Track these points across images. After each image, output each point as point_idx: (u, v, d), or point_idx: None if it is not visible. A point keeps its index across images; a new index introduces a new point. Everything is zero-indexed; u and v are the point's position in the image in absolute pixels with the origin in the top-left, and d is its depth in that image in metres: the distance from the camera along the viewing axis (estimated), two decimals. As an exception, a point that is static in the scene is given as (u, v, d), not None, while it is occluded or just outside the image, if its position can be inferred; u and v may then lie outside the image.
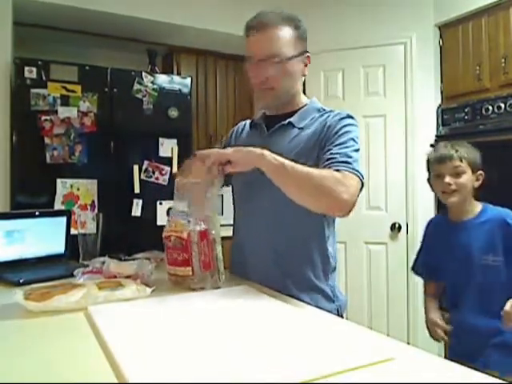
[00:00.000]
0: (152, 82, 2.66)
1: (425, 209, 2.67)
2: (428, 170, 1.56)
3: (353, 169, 1.06)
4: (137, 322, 0.82)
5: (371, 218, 2.79)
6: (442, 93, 2.81)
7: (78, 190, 2.44)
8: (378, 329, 2.64)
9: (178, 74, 3.17)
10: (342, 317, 1.21)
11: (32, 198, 2.34)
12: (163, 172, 2.65)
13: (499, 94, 2.44)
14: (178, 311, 0.90)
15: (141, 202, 2.60)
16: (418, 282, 2.09)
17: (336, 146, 1.11)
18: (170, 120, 2.71)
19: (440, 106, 2.79)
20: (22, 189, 2.35)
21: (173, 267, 1.13)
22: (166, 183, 2.64)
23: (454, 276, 1.50)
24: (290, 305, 0.95)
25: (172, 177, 2.66)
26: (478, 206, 1.49)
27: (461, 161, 1.43)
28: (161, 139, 2.68)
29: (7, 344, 0.75)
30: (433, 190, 1.56)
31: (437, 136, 2.72)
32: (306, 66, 1.24)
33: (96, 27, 2.89)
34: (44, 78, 2.38)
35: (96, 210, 2.47)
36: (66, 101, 2.42)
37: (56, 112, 2.40)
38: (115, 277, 1.11)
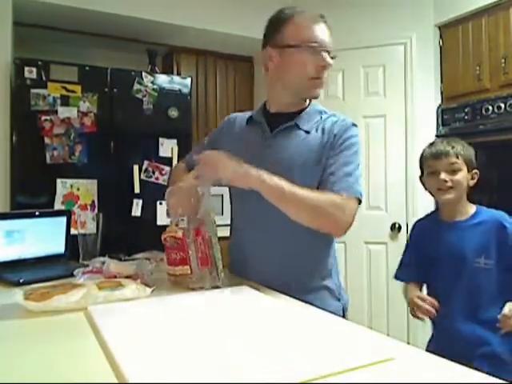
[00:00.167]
0: (152, 82, 2.66)
1: (425, 209, 2.66)
2: (421, 167, 1.51)
3: (353, 190, 1.12)
4: (137, 322, 0.82)
5: (371, 217, 2.79)
6: (441, 93, 2.81)
7: (78, 189, 2.45)
8: (378, 329, 2.64)
9: (178, 74, 3.17)
10: (345, 315, 1.23)
11: (32, 197, 2.34)
12: (163, 172, 2.65)
13: (499, 94, 2.44)
14: (178, 311, 0.90)
15: (141, 201, 2.60)
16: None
17: (340, 161, 1.14)
18: (169, 120, 2.71)
19: (440, 105, 2.79)
20: (22, 189, 2.35)
21: (172, 267, 1.13)
22: (166, 183, 2.64)
23: (443, 278, 1.43)
24: (290, 304, 0.95)
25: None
26: (472, 207, 1.45)
27: (457, 157, 1.40)
28: (161, 139, 2.68)
29: (7, 344, 0.75)
30: (426, 189, 1.50)
31: (437, 136, 2.72)
32: None
33: (96, 27, 2.89)
34: (44, 78, 2.38)
35: (96, 210, 2.47)
36: (66, 101, 2.42)
37: (56, 112, 2.40)
38: (115, 277, 1.11)
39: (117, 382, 0.58)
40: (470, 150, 1.44)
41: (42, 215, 1.44)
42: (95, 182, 2.49)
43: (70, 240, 1.48)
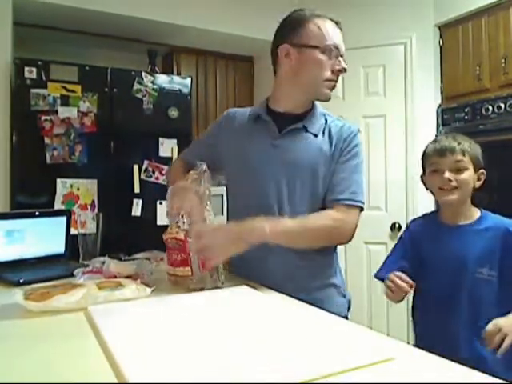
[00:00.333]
0: (152, 82, 2.66)
1: (425, 209, 2.64)
2: (423, 165, 1.38)
3: (356, 201, 1.18)
4: (137, 322, 0.82)
5: (371, 218, 2.79)
6: (441, 93, 2.81)
7: (78, 189, 2.44)
8: (378, 329, 2.64)
9: (178, 74, 3.17)
10: (349, 311, 1.28)
11: (32, 198, 2.34)
12: (163, 172, 2.65)
13: (499, 94, 2.44)
14: (178, 311, 0.90)
15: (141, 201, 2.60)
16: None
17: (347, 170, 1.20)
18: (170, 120, 2.71)
19: (440, 105, 2.79)
20: (22, 189, 2.35)
21: (172, 267, 1.13)
22: (166, 183, 2.64)
23: (439, 288, 1.29)
24: (290, 304, 0.95)
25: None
26: (477, 211, 1.32)
27: (463, 155, 1.27)
28: (161, 139, 2.68)
29: (7, 344, 0.75)
30: (427, 188, 1.38)
31: (437, 136, 2.73)
32: None
33: (96, 27, 2.89)
34: (44, 78, 2.38)
35: (96, 210, 2.47)
36: (66, 101, 2.42)
37: (56, 112, 2.40)
38: (115, 277, 1.11)
39: (117, 382, 0.58)
40: (477, 148, 1.33)
41: (41, 215, 1.44)
42: (95, 181, 2.49)
43: (70, 240, 1.48)
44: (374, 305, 2.81)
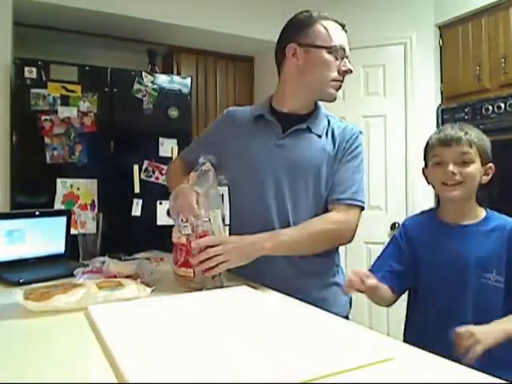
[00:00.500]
0: (152, 82, 2.66)
1: (425, 208, 2.67)
2: (425, 157, 1.25)
3: (357, 200, 1.20)
4: (137, 321, 0.82)
5: (371, 217, 2.78)
6: (441, 93, 2.81)
7: (78, 189, 2.44)
8: (378, 329, 2.64)
9: (178, 74, 3.17)
10: (351, 308, 1.30)
11: (32, 197, 2.34)
12: (163, 172, 2.65)
13: (499, 94, 2.44)
14: (178, 311, 0.90)
15: (141, 201, 2.60)
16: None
17: (348, 170, 1.22)
18: (169, 120, 2.71)
19: (440, 105, 2.79)
20: (22, 189, 2.35)
21: (176, 266, 1.13)
22: (166, 183, 2.64)
23: (439, 293, 1.16)
24: (290, 304, 0.95)
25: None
26: (482, 211, 1.20)
27: (470, 146, 1.14)
28: (161, 139, 2.68)
29: (7, 344, 0.75)
30: (428, 183, 1.25)
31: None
32: None
33: (96, 27, 2.89)
34: (44, 78, 2.38)
35: (96, 210, 2.47)
36: (66, 101, 2.42)
37: (56, 112, 2.40)
38: (115, 276, 1.11)
39: (117, 382, 0.58)
40: (486, 139, 1.20)
41: (42, 215, 1.44)
42: (95, 181, 2.49)
43: (70, 240, 1.48)
44: (374, 305, 2.79)
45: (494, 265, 1.11)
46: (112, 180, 2.54)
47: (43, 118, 2.36)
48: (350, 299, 1.30)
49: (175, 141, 2.71)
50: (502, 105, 2.40)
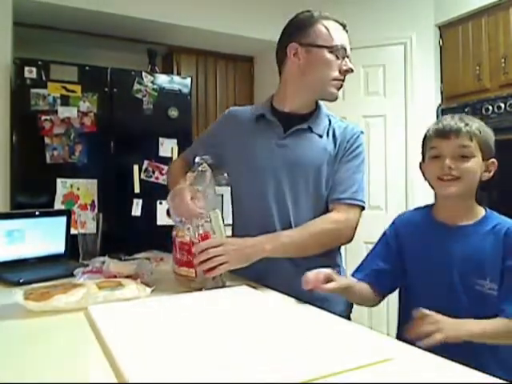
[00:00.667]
0: (152, 82, 2.66)
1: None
2: (423, 150, 1.15)
3: (357, 200, 1.20)
4: (137, 322, 0.82)
5: (371, 217, 2.78)
6: (441, 93, 2.81)
7: (78, 189, 2.44)
8: (378, 329, 2.64)
9: (178, 74, 3.17)
10: (352, 306, 1.29)
11: (32, 197, 2.34)
12: (163, 172, 2.65)
13: (499, 94, 2.44)
14: (178, 311, 0.90)
15: (141, 201, 2.60)
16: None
17: (348, 170, 1.22)
18: (169, 120, 2.71)
19: (440, 105, 2.79)
20: (22, 189, 2.35)
21: (177, 266, 1.13)
22: (166, 183, 2.63)
23: (430, 298, 1.05)
24: (290, 304, 0.95)
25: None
26: (481, 210, 1.09)
27: (470, 139, 1.04)
28: (161, 139, 2.68)
29: (7, 344, 0.75)
30: (425, 178, 1.14)
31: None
32: None
33: (96, 27, 2.89)
34: (44, 78, 2.38)
35: (96, 210, 2.46)
36: (66, 101, 2.42)
37: (56, 112, 2.40)
38: (115, 276, 1.11)
39: (117, 382, 0.58)
40: (489, 132, 1.10)
41: (42, 215, 1.44)
42: (95, 181, 2.49)
43: (70, 240, 1.48)
44: (374, 305, 2.81)
45: (488, 271, 1.00)
46: (112, 180, 2.54)
47: (43, 118, 2.36)
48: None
49: (175, 141, 2.71)
50: (502, 105, 2.40)
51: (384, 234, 1.21)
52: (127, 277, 1.10)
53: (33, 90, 2.35)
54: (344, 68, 1.22)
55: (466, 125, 1.05)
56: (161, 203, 2.62)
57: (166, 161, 2.67)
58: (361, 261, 1.23)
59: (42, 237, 1.41)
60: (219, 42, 3.17)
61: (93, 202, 2.48)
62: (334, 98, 1.24)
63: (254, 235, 1.16)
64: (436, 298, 1.03)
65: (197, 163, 1.17)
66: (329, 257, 1.24)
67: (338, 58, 1.21)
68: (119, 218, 2.51)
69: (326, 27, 1.20)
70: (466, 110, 2.58)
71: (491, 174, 1.09)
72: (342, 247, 1.30)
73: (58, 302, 0.89)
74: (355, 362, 0.62)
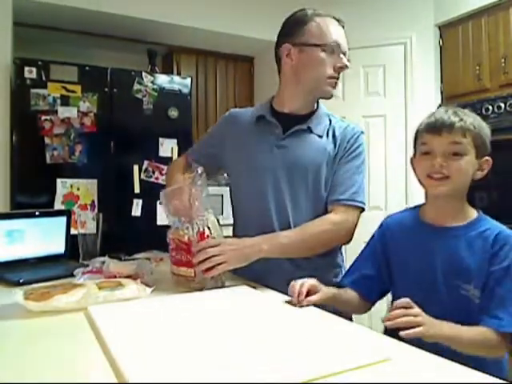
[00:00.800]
0: (152, 82, 2.66)
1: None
2: (414, 144, 1.10)
3: (356, 201, 1.19)
4: (137, 321, 0.82)
5: (371, 217, 2.78)
6: (441, 93, 2.81)
7: (78, 189, 2.44)
8: (378, 329, 2.64)
9: (178, 73, 3.17)
10: None
11: (32, 197, 2.34)
12: (163, 172, 2.65)
13: (499, 94, 2.44)
14: (178, 311, 0.90)
15: (141, 201, 2.60)
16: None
17: (348, 170, 1.21)
18: (169, 120, 2.71)
19: (440, 105, 2.79)
20: (22, 189, 2.35)
21: (176, 267, 1.13)
22: (165, 182, 2.64)
23: (415, 298, 0.92)
24: (290, 304, 0.95)
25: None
26: (473, 212, 1.02)
27: (464, 135, 0.97)
28: (161, 139, 2.68)
29: (7, 344, 0.75)
30: (416, 175, 1.08)
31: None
32: None
33: (96, 27, 2.89)
34: (44, 78, 2.38)
35: (96, 210, 2.46)
36: (66, 101, 2.42)
37: (56, 112, 2.39)
38: (115, 277, 1.11)
39: (117, 382, 0.58)
40: (484, 128, 1.02)
41: (41, 215, 1.44)
42: (95, 181, 2.49)
43: (70, 240, 1.48)
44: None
45: (473, 276, 0.94)
46: (112, 180, 2.54)
47: (43, 118, 2.36)
48: None
49: (175, 141, 2.71)
50: (502, 105, 2.40)
51: (372, 236, 1.17)
52: (127, 277, 1.10)
53: (33, 90, 2.35)
54: (338, 65, 1.20)
55: (461, 119, 0.98)
56: (161, 203, 2.61)
57: (166, 161, 2.67)
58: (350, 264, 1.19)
59: (42, 237, 1.41)
60: (219, 42, 3.17)
61: (93, 202, 2.48)
62: (329, 96, 1.24)
63: (253, 235, 1.16)
64: (420, 300, 0.93)
65: (193, 166, 1.19)
66: (329, 257, 1.24)
67: (331, 55, 1.19)
68: (119, 218, 2.51)
69: (319, 25, 1.19)
70: (466, 109, 2.58)
71: (485, 172, 1.02)
72: (343, 247, 1.30)
73: (58, 302, 0.89)
74: (355, 362, 0.62)
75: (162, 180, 2.65)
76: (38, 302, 0.88)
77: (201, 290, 1.08)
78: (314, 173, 1.20)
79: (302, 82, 1.22)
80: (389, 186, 2.83)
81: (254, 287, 1.09)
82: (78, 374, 0.62)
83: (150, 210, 2.61)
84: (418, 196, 2.69)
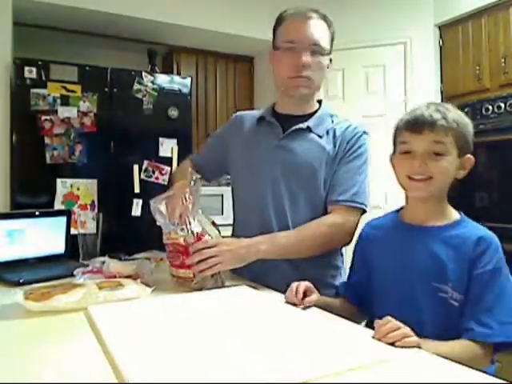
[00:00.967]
0: (152, 82, 2.66)
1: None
2: (394, 142, 1.05)
3: (356, 202, 1.17)
4: (137, 321, 0.82)
5: (371, 217, 2.79)
6: (441, 93, 2.81)
7: (78, 189, 2.44)
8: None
9: (178, 73, 3.17)
10: None
11: (32, 197, 2.34)
12: (163, 172, 2.65)
13: (499, 94, 2.44)
14: (178, 311, 0.90)
15: (141, 201, 2.60)
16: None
17: (349, 171, 1.19)
18: (169, 120, 2.71)
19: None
20: (22, 189, 2.34)
21: (175, 269, 1.13)
22: (165, 183, 2.64)
23: (392, 308, 0.87)
24: (290, 304, 0.95)
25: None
26: (454, 214, 0.98)
27: (445, 134, 0.91)
28: (161, 139, 2.68)
29: (7, 344, 0.75)
30: (395, 175, 1.03)
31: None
32: (327, 67, 1.25)
33: (96, 27, 2.89)
34: (44, 78, 2.37)
35: (96, 210, 2.46)
36: (66, 101, 2.42)
37: (56, 112, 2.39)
38: (115, 276, 1.11)
39: (117, 382, 0.58)
40: (467, 125, 0.96)
41: (42, 215, 1.44)
42: (95, 181, 2.49)
43: (70, 240, 1.48)
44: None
45: (450, 277, 0.89)
46: (112, 180, 2.53)
47: (43, 118, 2.36)
48: None
49: (175, 141, 2.71)
50: (502, 105, 2.40)
51: (354, 250, 1.14)
52: (127, 277, 1.10)
53: (33, 90, 2.35)
54: (295, 64, 1.17)
55: (443, 117, 0.91)
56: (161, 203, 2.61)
57: (166, 161, 2.67)
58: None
59: (42, 237, 1.41)
60: (219, 42, 3.17)
61: (93, 202, 2.48)
62: (298, 96, 1.23)
63: (251, 234, 1.16)
64: (399, 304, 0.93)
65: (190, 173, 1.21)
66: (327, 258, 1.23)
67: (291, 55, 1.17)
68: (119, 218, 2.51)
69: (284, 26, 1.21)
70: (466, 109, 2.58)
71: (466, 171, 0.97)
72: (344, 248, 1.29)
73: (58, 302, 0.89)
74: (355, 362, 0.62)
75: (162, 180, 2.65)
76: (38, 301, 0.88)
77: (201, 290, 1.08)
78: (312, 172, 1.19)
79: (277, 84, 1.25)
80: (389, 186, 2.83)
81: (254, 287, 1.09)
82: (77, 373, 0.62)
83: (150, 210, 2.60)
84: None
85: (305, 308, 0.94)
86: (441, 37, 2.83)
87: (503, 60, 2.44)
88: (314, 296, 0.97)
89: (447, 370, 0.63)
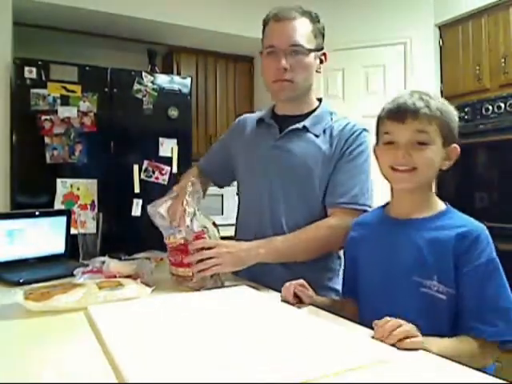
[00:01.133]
0: (152, 82, 2.66)
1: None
2: (377, 132, 0.99)
3: (356, 203, 1.14)
4: (137, 321, 0.82)
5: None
6: (442, 93, 2.81)
7: (78, 189, 2.44)
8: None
9: (178, 73, 3.17)
10: None
11: (32, 197, 2.34)
12: (163, 172, 2.65)
13: (499, 94, 2.44)
14: (178, 311, 0.90)
15: (141, 201, 2.60)
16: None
17: (349, 171, 1.16)
18: (169, 120, 2.71)
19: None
20: (22, 189, 2.34)
21: (174, 267, 1.14)
22: (165, 183, 2.64)
23: (375, 302, 0.92)
24: (290, 305, 0.95)
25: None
26: (440, 205, 0.95)
27: (429, 122, 0.88)
28: (161, 139, 2.68)
29: (7, 344, 0.75)
30: (379, 166, 1.01)
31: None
32: (321, 62, 1.24)
33: (96, 27, 2.89)
34: (44, 78, 2.38)
35: (96, 210, 2.46)
36: (66, 101, 2.42)
37: (56, 112, 2.39)
38: (115, 276, 1.11)
39: (117, 382, 0.58)
40: (451, 113, 0.92)
41: (42, 215, 1.44)
42: (95, 181, 2.49)
43: (70, 240, 1.48)
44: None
45: (433, 270, 0.86)
46: (112, 180, 2.54)
47: (43, 118, 2.36)
48: None
49: (175, 141, 2.71)
50: (502, 105, 2.40)
51: (345, 250, 1.12)
52: (127, 277, 1.10)
53: (33, 90, 2.35)
54: (276, 67, 1.16)
55: (426, 105, 0.89)
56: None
57: (166, 161, 2.67)
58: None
59: (42, 237, 1.41)
60: (219, 42, 3.17)
61: (93, 202, 2.48)
62: (282, 99, 1.23)
63: (249, 236, 1.17)
64: (383, 301, 0.91)
65: (189, 182, 1.20)
66: (324, 260, 1.22)
67: (273, 58, 1.17)
68: (119, 218, 2.51)
69: (268, 30, 1.20)
70: (466, 109, 2.59)
71: (452, 161, 0.93)
72: (341, 251, 1.28)
73: (58, 302, 0.89)
74: (355, 363, 0.62)
75: (162, 180, 2.65)
76: (38, 301, 0.88)
77: (199, 289, 1.08)
78: (307, 172, 1.17)
79: (266, 88, 1.25)
80: (388, 186, 2.83)
81: (254, 287, 1.09)
82: (77, 373, 0.62)
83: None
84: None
85: (304, 307, 0.94)
86: (441, 37, 2.83)
87: (503, 60, 2.44)
88: (311, 291, 0.98)
89: (447, 370, 0.63)
